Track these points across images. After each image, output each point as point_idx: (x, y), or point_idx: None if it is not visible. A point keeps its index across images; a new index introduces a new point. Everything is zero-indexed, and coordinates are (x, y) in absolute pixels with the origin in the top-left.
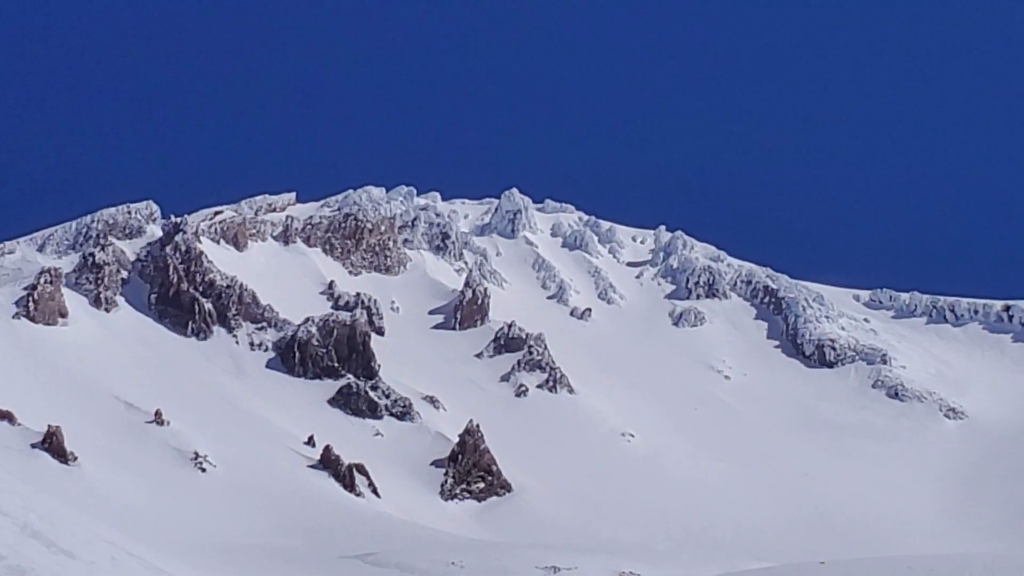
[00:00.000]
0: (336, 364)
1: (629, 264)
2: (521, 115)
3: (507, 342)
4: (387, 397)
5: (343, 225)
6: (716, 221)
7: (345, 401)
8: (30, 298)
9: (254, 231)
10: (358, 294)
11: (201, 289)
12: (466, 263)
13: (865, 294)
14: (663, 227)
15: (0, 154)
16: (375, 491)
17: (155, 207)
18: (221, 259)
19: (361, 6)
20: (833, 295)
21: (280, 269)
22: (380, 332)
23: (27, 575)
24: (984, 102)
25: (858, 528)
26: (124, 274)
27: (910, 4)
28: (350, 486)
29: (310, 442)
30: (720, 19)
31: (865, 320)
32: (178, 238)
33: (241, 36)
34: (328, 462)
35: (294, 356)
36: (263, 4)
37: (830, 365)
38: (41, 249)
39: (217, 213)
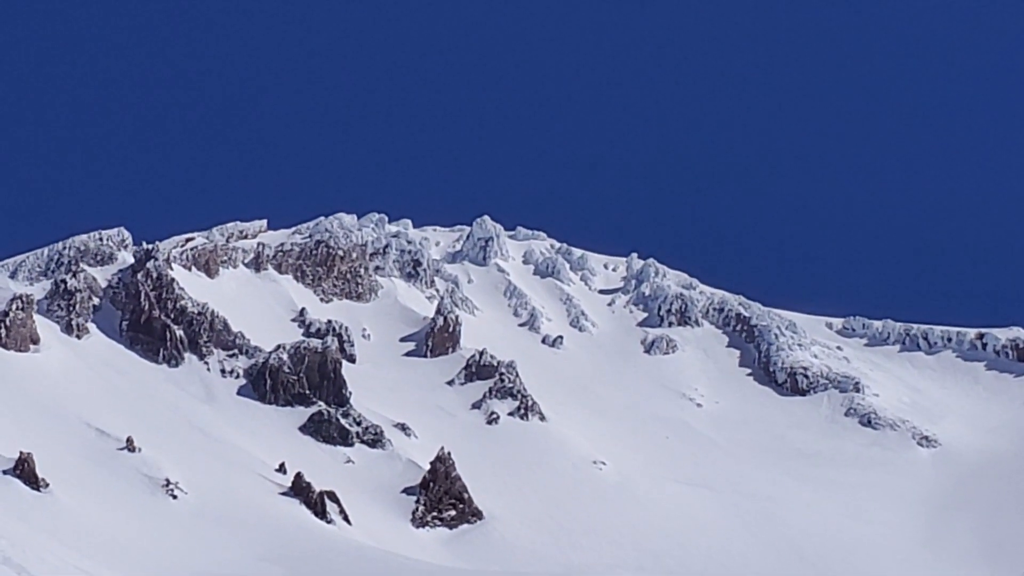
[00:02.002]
0: (307, 391)
1: (601, 291)
2: (492, 142)
3: (478, 369)
4: (358, 424)
5: (314, 252)
6: (688, 249)
7: (316, 428)
8: (2, 324)
9: (225, 258)
10: (329, 321)
11: (172, 316)
12: (437, 290)
13: (838, 322)
14: (635, 255)
15: None
16: (346, 518)
17: (127, 234)
18: (192, 286)
19: (332, 33)
20: (806, 323)
21: (251, 296)
22: (351, 359)
23: None
24: (955, 127)
25: (830, 556)
26: (96, 301)
27: (877, 36)
28: (321, 513)
29: (281, 469)
30: (689, 48)
31: (838, 348)
32: (149, 265)
33: (212, 63)
34: (299, 489)
35: (265, 383)
36: (235, 31)
37: (803, 393)
38: (13, 276)
39: (188, 240)
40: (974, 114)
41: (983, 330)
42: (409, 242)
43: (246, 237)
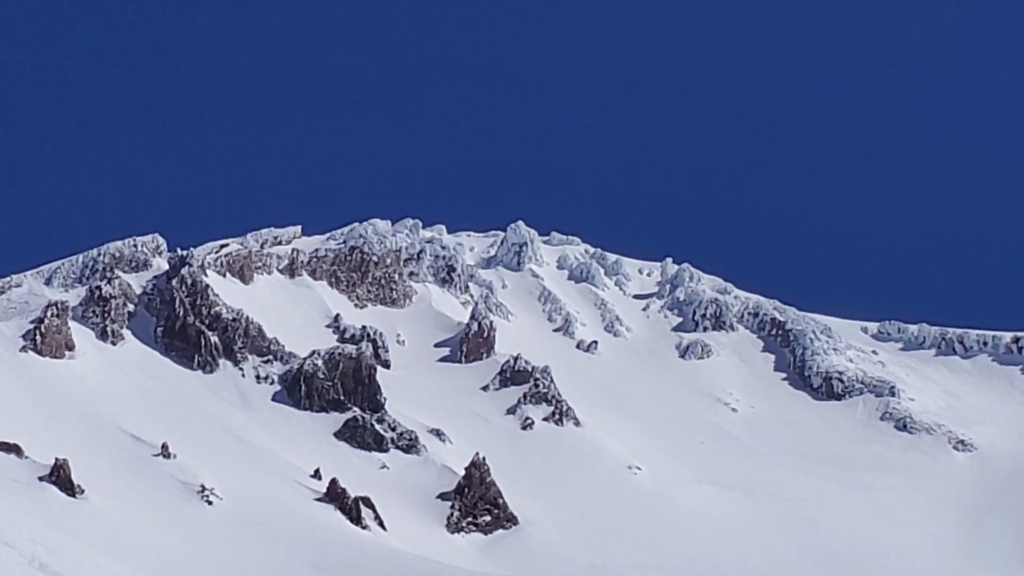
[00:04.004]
0: (342, 397)
1: (635, 296)
2: (527, 147)
3: (513, 375)
4: (393, 430)
5: (349, 258)
6: (723, 253)
7: (351, 434)
8: (37, 331)
9: (260, 264)
10: (364, 327)
11: (207, 322)
12: (472, 296)
13: (873, 326)
14: (670, 259)
15: (5, 187)
16: (381, 524)
17: (161, 240)
18: (227, 292)
19: (368, 41)
20: (841, 327)
21: (286, 302)
22: (386, 365)
23: None
24: (990, 132)
25: (865, 561)
26: (130, 307)
27: (912, 40)
28: (356, 519)
29: (316, 475)
30: (726, 52)
31: (873, 352)
32: (184, 271)
33: (245, 68)
34: (334, 495)
35: (300, 389)
36: (267, 35)
37: (838, 397)
38: (48, 282)
39: (223, 246)
40: (1009, 117)
41: (1019, 334)
42: (443, 247)
43: (280, 243)
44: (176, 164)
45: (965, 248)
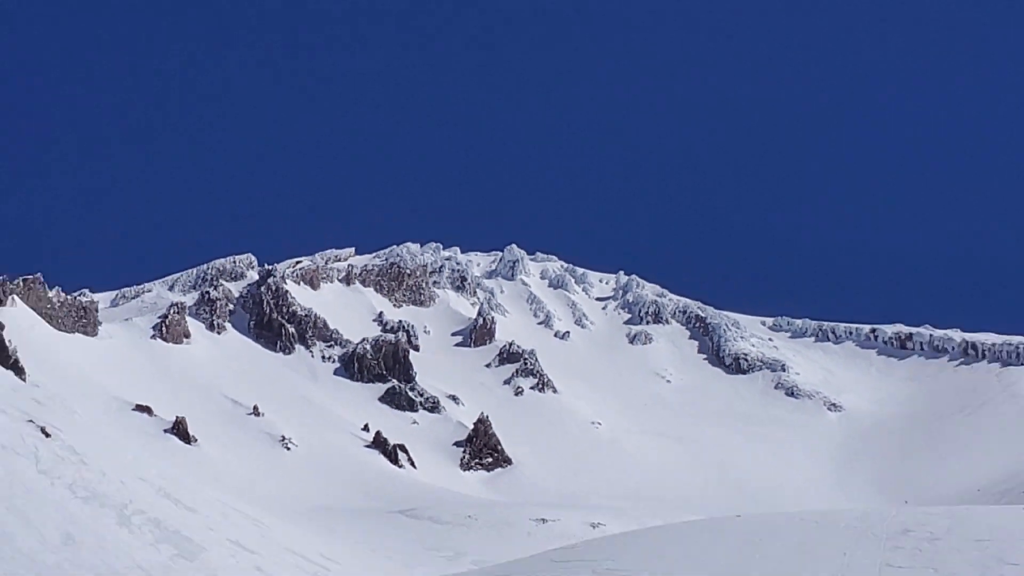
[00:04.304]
0: (384, 372)
1: (597, 299)
2: (520, 191)
3: (508, 356)
4: (421, 396)
5: (389, 271)
6: (660, 267)
7: (390, 398)
8: (163, 324)
9: (324, 275)
10: (400, 321)
11: (286, 317)
12: (478, 299)
13: (769, 320)
14: (622, 272)
15: (141, 220)
16: (412, 464)
17: (253, 258)
18: (301, 296)
19: (419, 106)
20: (746, 321)
21: (343, 303)
22: (416, 348)
23: (160, 524)
24: (867, 158)
25: (764, 492)
26: (231, 307)
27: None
28: (394, 460)
29: (365, 428)
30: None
31: (769, 339)
32: (270, 280)
33: (315, 134)
34: (378, 443)
35: (353, 366)
36: (340, 103)
37: (744, 372)
38: (171, 288)
39: (298, 262)
40: (874, 131)
41: (875, 326)
42: (458, 263)
43: (340, 260)
44: (263, 202)
45: (835, 260)
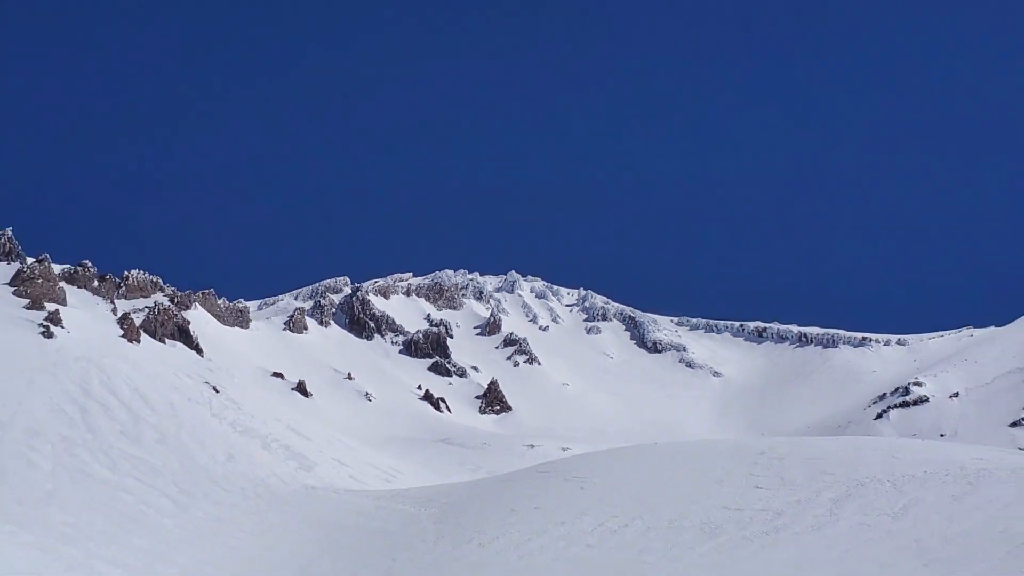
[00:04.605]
0: (431, 351)
1: (566, 305)
2: (520, 234)
3: (509, 342)
4: (454, 367)
5: (433, 287)
6: (607, 284)
7: (435, 368)
8: (291, 321)
9: (393, 290)
10: (441, 319)
11: (368, 317)
12: (490, 305)
13: (676, 318)
14: (582, 288)
15: (278, 251)
16: (448, 410)
17: (347, 279)
18: (377, 303)
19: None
20: (661, 319)
21: (404, 308)
22: (451, 336)
23: (289, 448)
24: (763, 184)
25: (671, 428)
26: (333, 310)
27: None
28: (437, 408)
29: (419, 388)
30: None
31: (675, 331)
32: (358, 293)
33: (387, 184)
34: (428, 397)
35: (412, 348)
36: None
37: (659, 352)
38: (296, 298)
39: (376, 282)
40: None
41: (742, 322)
42: (477, 282)
43: (402, 280)
44: (355, 240)
45: (716, 277)
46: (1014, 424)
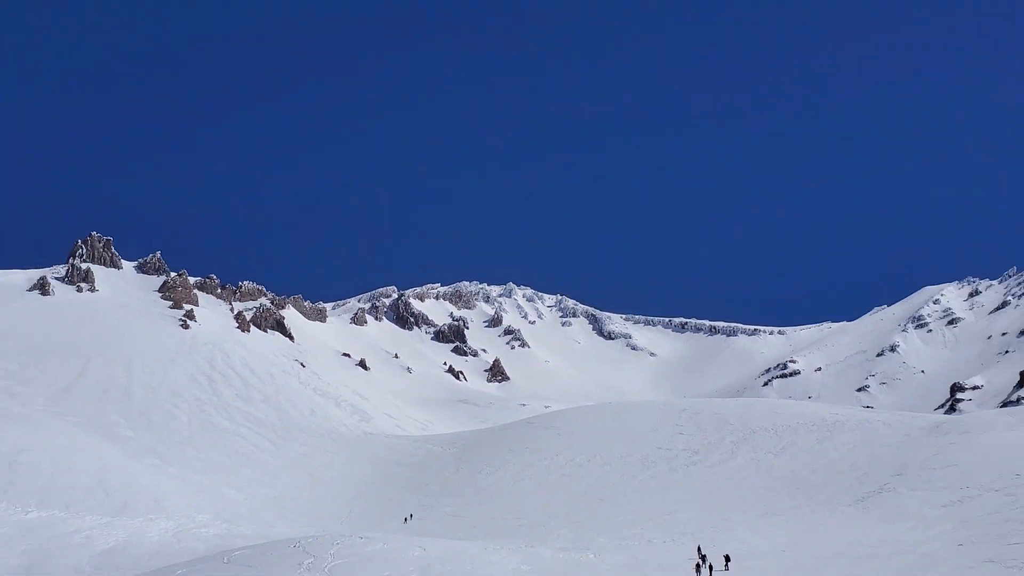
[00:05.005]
0: (453, 339)
1: (548, 306)
2: (519, 255)
3: (508, 332)
4: (470, 349)
5: (455, 293)
6: (578, 290)
7: (456, 351)
8: (354, 317)
9: (426, 295)
10: (460, 316)
11: (409, 314)
12: (495, 307)
13: (624, 315)
14: (559, 294)
15: (347, 265)
16: (466, 380)
17: (395, 287)
18: (416, 305)
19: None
20: (615, 316)
21: (436, 309)
22: (468, 328)
23: (354, 406)
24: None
25: (621, 392)
26: (385, 309)
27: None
28: (458, 378)
29: (445, 364)
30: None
31: (624, 324)
32: (402, 298)
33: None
34: (451, 371)
35: (440, 336)
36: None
37: (613, 340)
38: (359, 301)
39: (414, 289)
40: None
41: (670, 318)
42: (486, 291)
43: (433, 288)
44: (402, 256)
45: (651, 285)
46: (859, 389)
